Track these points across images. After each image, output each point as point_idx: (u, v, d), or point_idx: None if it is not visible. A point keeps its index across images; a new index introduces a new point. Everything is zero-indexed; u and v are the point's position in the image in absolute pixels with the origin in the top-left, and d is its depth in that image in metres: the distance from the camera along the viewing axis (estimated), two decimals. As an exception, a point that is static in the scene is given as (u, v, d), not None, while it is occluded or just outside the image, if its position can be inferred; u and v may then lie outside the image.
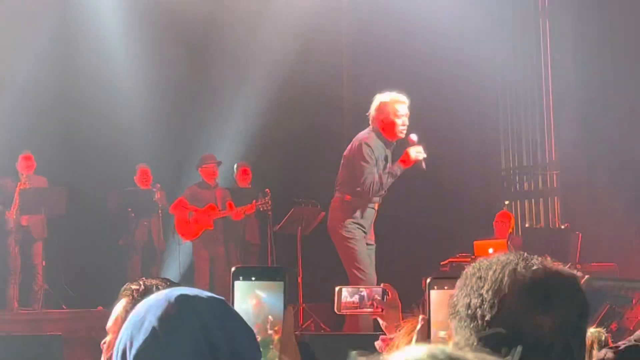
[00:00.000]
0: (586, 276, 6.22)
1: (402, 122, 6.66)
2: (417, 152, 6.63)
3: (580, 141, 10.42)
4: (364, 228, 6.74)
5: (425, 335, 1.95)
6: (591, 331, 2.75)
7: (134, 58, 11.10)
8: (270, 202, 9.27)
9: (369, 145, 6.64)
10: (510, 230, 9.48)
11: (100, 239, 10.23)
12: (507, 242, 8.80)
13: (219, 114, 11.31)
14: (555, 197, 11.13)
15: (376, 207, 6.83)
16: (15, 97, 10.25)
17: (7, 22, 10.43)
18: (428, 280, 1.99)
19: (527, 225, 11.07)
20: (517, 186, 11.61)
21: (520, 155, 11.52)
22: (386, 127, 6.68)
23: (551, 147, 11.18)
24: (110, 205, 9.95)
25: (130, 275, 9.64)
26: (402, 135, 6.69)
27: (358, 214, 6.72)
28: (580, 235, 8.65)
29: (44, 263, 9.50)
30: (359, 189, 6.66)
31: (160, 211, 9.83)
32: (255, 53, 11.44)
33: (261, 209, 9.33)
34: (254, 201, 9.35)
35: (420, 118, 10.89)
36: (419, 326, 1.98)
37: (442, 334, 1.94)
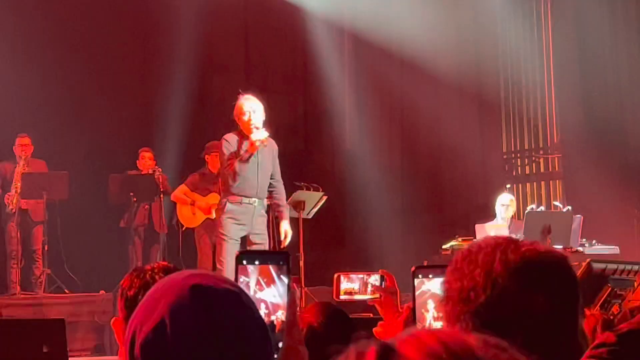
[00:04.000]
0: (588, 259, 6.22)
1: (248, 117, 7.31)
2: (256, 136, 7.26)
3: (582, 124, 10.41)
4: (242, 223, 7.35)
5: (410, 323, 1.97)
6: (594, 314, 2.75)
7: (132, 42, 11.07)
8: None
9: (225, 140, 7.43)
10: (512, 213, 9.46)
11: (101, 223, 10.21)
12: (509, 226, 8.78)
13: (221, 98, 11.28)
14: (557, 180, 11.13)
15: (256, 204, 7.43)
16: (13, 79, 10.22)
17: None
18: (412, 269, 2.04)
19: (528, 208, 11.06)
20: (519, 169, 11.60)
21: (522, 139, 11.51)
22: (242, 124, 7.39)
23: (553, 130, 11.17)
24: (112, 189, 9.94)
25: (131, 260, 9.64)
26: (254, 128, 7.30)
27: (234, 209, 7.34)
28: (583, 217, 8.64)
29: (46, 247, 9.50)
30: (228, 182, 7.34)
31: (161, 195, 9.82)
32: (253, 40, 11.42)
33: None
34: None
35: (421, 103, 10.92)
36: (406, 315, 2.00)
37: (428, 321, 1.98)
